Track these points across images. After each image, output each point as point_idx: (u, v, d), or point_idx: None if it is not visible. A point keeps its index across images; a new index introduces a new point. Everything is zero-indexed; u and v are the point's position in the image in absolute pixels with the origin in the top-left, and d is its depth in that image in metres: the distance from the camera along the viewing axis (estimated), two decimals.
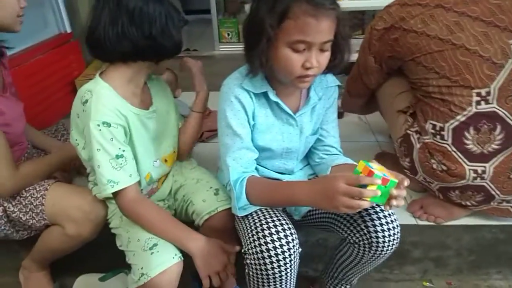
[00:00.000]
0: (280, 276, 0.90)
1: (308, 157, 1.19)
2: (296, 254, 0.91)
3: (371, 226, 0.97)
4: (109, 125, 0.94)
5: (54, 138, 1.48)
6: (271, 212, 0.95)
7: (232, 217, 1.06)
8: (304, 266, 1.36)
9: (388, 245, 0.98)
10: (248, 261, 0.92)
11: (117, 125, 0.96)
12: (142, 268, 0.96)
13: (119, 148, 0.97)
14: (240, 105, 0.98)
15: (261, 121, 1.02)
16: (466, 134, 1.12)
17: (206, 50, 2.74)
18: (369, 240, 0.98)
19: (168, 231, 1.00)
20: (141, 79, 1.04)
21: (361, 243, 1.00)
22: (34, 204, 1.11)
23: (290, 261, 0.89)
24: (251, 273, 0.93)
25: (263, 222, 0.92)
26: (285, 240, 0.89)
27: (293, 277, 0.95)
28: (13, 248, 1.36)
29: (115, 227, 1.10)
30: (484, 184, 1.15)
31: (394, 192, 0.81)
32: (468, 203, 1.21)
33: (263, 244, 0.88)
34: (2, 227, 1.16)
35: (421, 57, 1.15)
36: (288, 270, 0.90)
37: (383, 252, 0.99)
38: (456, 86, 1.11)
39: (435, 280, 1.41)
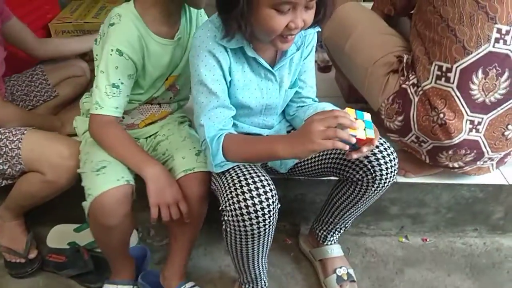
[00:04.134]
0: (259, 233, 0.89)
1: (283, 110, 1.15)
2: (275, 210, 0.89)
3: (374, 160, 0.97)
4: (121, 53, 0.98)
5: (29, 83, 1.45)
6: (249, 168, 0.92)
7: (206, 182, 1.04)
8: (281, 220, 1.35)
9: (390, 176, 0.99)
10: (226, 218, 0.89)
11: (128, 58, 0.99)
12: (89, 189, 0.97)
13: (119, 79, 0.99)
14: (214, 60, 0.90)
15: (238, 77, 0.95)
16: (474, 77, 1.07)
17: None
18: (373, 174, 0.98)
19: (128, 156, 1.01)
20: (170, 8, 1.03)
21: (365, 179, 0.99)
22: (10, 147, 1.08)
23: (269, 217, 0.87)
24: (228, 229, 0.90)
25: (242, 178, 0.88)
26: (264, 196, 0.86)
27: (271, 233, 0.94)
28: None
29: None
30: (478, 139, 1.13)
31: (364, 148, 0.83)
32: (456, 165, 1.19)
33: (242, 200, 0.85)
34: None
35: None
36: (267, 227, 0.88)
37: (386, 184, 1.00)
38: (481, 12, 1.03)
39: (411, 236, 1.43)
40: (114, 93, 0.99)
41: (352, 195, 1.06)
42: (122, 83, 0.99)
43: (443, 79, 1.10)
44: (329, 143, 0.77)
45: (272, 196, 0.88)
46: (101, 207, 0.95)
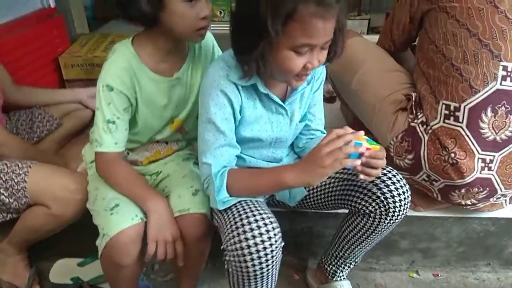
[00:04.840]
0: (261, 274, 0.86)
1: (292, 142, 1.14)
2: (279, 249, 0.86)
3: (388, 191, 0.95)
4: (111, 89, 0.96)
5: (32, 118, 1.46)
6: (251, 205, 0.89)
7: (203, 222, 1.02)
8: (288, 255, 1.33)
9: (404, 208, 0.97)
10: (227, 258, 0.86)
11: (119, 92, 0.97)
12: (103, 229, 0.96)
13: (114, 114, 0.98)
14: (226, 99, 0.90)
15: (250, 113, 0.95)
16: (483, 116, 1.06)
17: None
18: (386, 206, 0.96)
19: (132, 189, 1.01)
20: (167, 45, 0.99)
21: (378, 211, 0.97)
22: (16, 181, 1.08)
23: (273, 257, 0.85)
24: (230, 269, 0.88)
25: (243, 216, 0.86)
26: (267, 235, 0.83)
27: (275, 273, 0.91)
28: None
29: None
30: (491, 176, 1.11)
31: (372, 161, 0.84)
32: (469, 202, 1.16)
33: (244, 240, 0.83)
34: None
35: (457, 8, 1.06)
36: (270, 267, 0.86)
37: (399, 217, 0.98)
38: (485, 50, 1.03)
39: (422, 271, 1.39)
40: (111, 129, 0.98)
41: (364, 228, 1.04)
42: (118, 118, 0.98)
43: (451, 118, 1.09)
44: (337, 163, 0.79)
45: (275, 234, 0.85)
46: (117, 246, 0.94)
